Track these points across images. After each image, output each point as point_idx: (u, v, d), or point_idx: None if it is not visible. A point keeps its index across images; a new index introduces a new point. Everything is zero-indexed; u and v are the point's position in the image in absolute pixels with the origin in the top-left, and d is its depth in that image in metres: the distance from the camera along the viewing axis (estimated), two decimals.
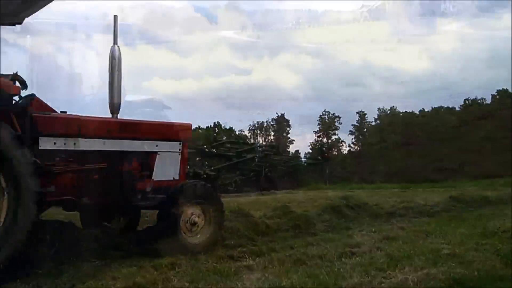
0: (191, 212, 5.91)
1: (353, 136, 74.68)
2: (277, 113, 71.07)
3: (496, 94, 65.03)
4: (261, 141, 74.72)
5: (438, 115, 66.02)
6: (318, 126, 75.45)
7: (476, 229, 7.48)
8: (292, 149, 75.68)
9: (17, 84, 5.04)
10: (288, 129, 76.08)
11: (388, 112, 72.71)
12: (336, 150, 75.33)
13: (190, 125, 7.21)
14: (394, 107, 72.92)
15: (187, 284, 4.20)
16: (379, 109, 73.85)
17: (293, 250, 5.84)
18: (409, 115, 70.41)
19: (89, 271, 4.71)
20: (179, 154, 6.73)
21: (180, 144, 6.77)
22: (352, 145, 75.33)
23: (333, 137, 75.01)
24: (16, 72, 5.19)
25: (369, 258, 5.19)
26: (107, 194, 5.97)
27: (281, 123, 75.36)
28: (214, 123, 53.56)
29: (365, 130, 74.10)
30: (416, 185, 29.28)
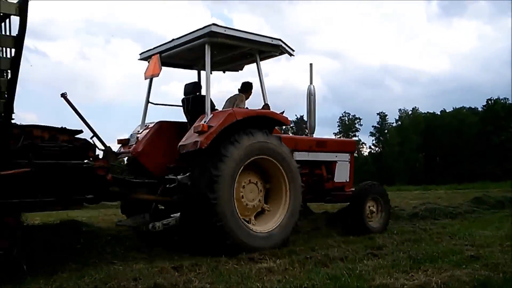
0: (370, 204, 8.01)
1: (373, 138, 74.13)
2: (296, 115, 70.73)
3: None
4: None
5: (460, 115, 65.05)
6: (338, 128, 75.14)
7: (500, 231, 7.35)
8: None
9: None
10: (307, 131, 75.91)
11: (409, 113, 71.96)
12: (356, 151, 74.86)
13: (355, 141, 9.35)
14: (416, 108, 72.14)
15: (208, 286, 4.20)
16: (400, 110, 73.23)
17: (314, 252, 5.80)
18: (431, 115, 69.49)
19: (111, 272, 4.73)
20: (348, 162, 8.88)
21: (349, 155, 8.96)
22: (372, 147, 74.86)
23: (354, 138, 74.58)
24: (284, 111, 7.21)
25: (391, 260, 5.13)
26: (309, 192, 8.04)
27: (300, 125, 75.16)
28: None
29: (386, 131, 73.39)
30: (438, 187, 28.96)
